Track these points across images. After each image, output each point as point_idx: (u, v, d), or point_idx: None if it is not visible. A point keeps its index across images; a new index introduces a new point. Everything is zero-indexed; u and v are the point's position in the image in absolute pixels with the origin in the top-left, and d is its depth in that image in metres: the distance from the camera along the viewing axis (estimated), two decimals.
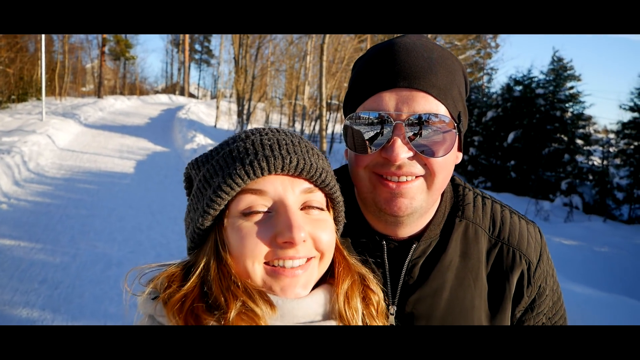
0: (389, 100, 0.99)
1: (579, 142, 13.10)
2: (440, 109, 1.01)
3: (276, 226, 0.83)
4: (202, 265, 0.86)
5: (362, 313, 0.93)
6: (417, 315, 1.09)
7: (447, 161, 1.04)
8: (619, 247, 8.38)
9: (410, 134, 0.99)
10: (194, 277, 0.85)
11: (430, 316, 1.09)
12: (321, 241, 0.87)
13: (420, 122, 0.98)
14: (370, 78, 1.03)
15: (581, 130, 13.17)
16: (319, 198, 0.90)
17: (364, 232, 1.13)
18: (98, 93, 35.16)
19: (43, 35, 17.99)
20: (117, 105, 26.52)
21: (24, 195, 8.28)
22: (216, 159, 0.89)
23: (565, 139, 12.98)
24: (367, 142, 1.02)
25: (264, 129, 0.92)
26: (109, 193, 8.92)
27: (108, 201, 8.31)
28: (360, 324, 0.91)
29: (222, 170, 0.85)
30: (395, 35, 1.10)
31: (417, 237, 1.13)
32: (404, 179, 1.01)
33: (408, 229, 1.11)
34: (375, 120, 1.00)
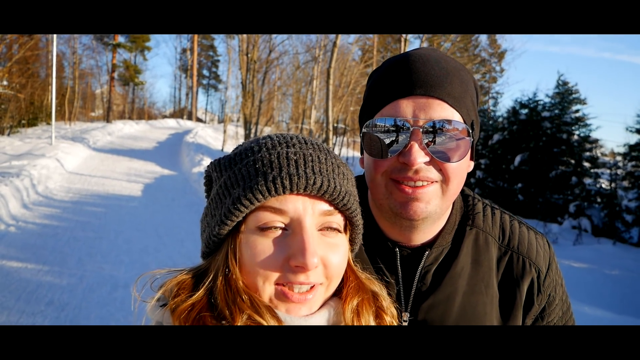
0: (406, 107, 1.03)
1: (586, 164, 13.06)
2: (455, 116, 1.04)
3: (290, 247, 0.82)
4: (211, 276, 0.86)
5: None
6: (430, 322, 1.11)
7: (461, 167, 1.07)
8: (630, 270, 8.26)
9: (427, 140, 1.02)
10: (203, 287, 0.85)
11: (443, 323, 1.11)
12: (331, 266, 0.86)
13: (436, 128, 1.02)
14: (387, 86, 1.07)
15: (588, 153, 13.14)
16: (337, 220, 0.89)
17: (377, 240, 1.15)
18: (107, 118, 35.65)
19: (54, 61, 18.38)
20: (126, 130, 26.84)
21: (32, 218, 8.33)
22: (239, 167, 0.87)
23: (573, 161, 12.95)
24: (385, 147, 1.04)
25: (292, 139, 0.89)
26: (116, 216, 8.95)
27: (115, 224, 8.33)
28: None
29: (243, 181, 0.84)
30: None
31: (429, 244, 1.15)
32: (419, 183, 1.03)
33: (421, 235, 1.13)
34: (393, 127, 1.03)
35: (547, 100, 14.10)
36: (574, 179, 12.73)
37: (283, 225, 0.84)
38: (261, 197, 0.81)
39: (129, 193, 11.23)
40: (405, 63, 1.06)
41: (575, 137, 13.19)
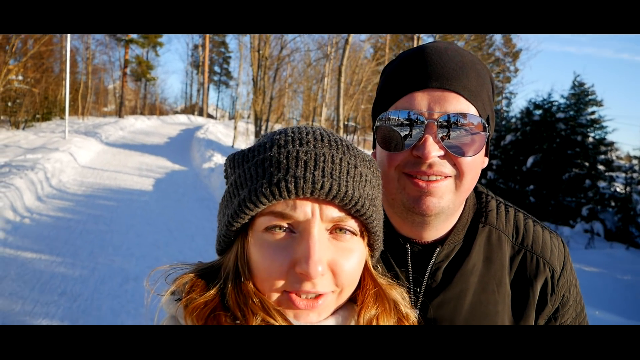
0: (421, 100, 1.01)
1: (601, 167, 12.89)
2: (471, 110, 1.02)
3: (296, 252, 0.78)
4: (222, 277, 0.84)
5: None
6: (440, 319, 1.08)
7: (476, 162, 1.05)
8: None
9: (442, 134, 1.00)
10: (214, 289, 0.83)
11: (453, 320, 1.08)
12: (341, 273, 0.80)
13: (451, 122, 1.00)
14: (402, 79, 1.05)
15: (603, 156, 12.97)
16: (351, 224, 0.82)
17: (388, 235, 1.11)
18: (119, 113, 35.94)
19: (68, 57, 18.54)
20: (138, 125, 27.03)
21: (46, 210, 8.42)
22: (249, 165, 0.83)
23: (587, 164, 12.79)
24: (399, 141, 1.02)
25: (307, 134, 0.83)
26: (127, 210, 9.02)
27: (127, 217, 8.40)
28: None
29: (250, 181, 0.80)
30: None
31: (440, 241, 1.13)
32: (433, 178, 1.01)
33: (433, 232, 1.11)
34: (407, 120, 1.01)
35: (562, 101, 13.95)
36: (588, 182, 12.57)
37: (291, 227, 0.80)
38: (266, 200, 0.77)
39: (141, 187, 11.31)
40: (420, 55, 1.04)
41: (590, 139, 13.03)
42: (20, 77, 21.47)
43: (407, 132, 1.01)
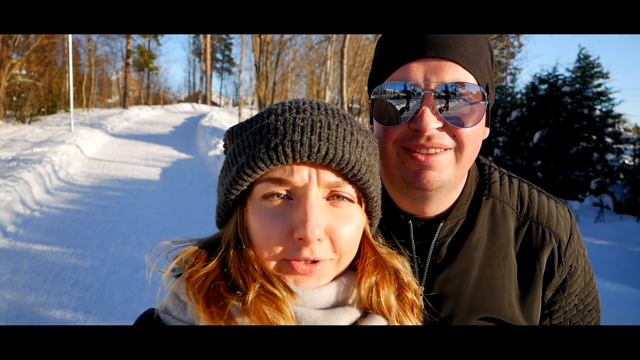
0: (417, 70, 0.98)
1: (609, 140, 12.74)
2: (469, 79, 0.99)
3: (294, 218, 0.78)
4: (223, 246, 0.84)
5: (397, 310, 0.88)
6: (445, 295, 1.07)
7: (476, 133, 1.02)
8: None
9: (440, 105, 0.97)
10: (216, 258, 0.83)
11: (459, 295, 1.07)
12: (340, 239, 0.80)
13: (449, 92, 0.97)
14: (396, 50, 1.02)
15: (610, 129, 12.80)
16: (349, 190, 0.82)
17: (389, 212, 1.10)
18: (123, 104, 35.96)
19: (70, 49, 18.53)
20: (142, 115, 27.05)
21: (55, 202, 8.51)
22: (247, 133, 0.83)
23: (594, 137, 12.64)
24: (396, 114, 1.00)
25: (304, 104, 0.84)
26: (135, 199, 9.09)
27: (135, 207, 8.47)
28: (394, 319, 0.87)
29: (249, 148, 0.80)
30: None
31: (443, 216, 1.11)
32: (432, 151, 0.99)
33: (435, 207, 1.09)
34: (403, 92, 0.98)
35: (567, 74, 13.73)
36: (596, 155, 12.45)
37: (288, 194, 0.80)
38: (263, 165, 0.77)
39: (147, 177, 11.37)
40: None
41: (597, 112, 12.85)
42: (23, 72, 21.53)
43: (404, 105, 0.98)
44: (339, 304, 0.84)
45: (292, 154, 0.76)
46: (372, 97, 1.07)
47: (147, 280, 0.87)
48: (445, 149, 1.00)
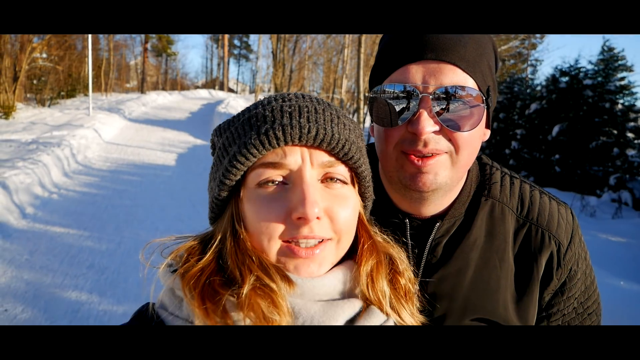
0: (416, 72, 0.97)
1: (630, 135, 12.46)
2: (469, 82, 0.98)
3: (290, 200, 0.78)
4: (219, 238, 0.84)
5: (390, 296, 0.88)
6: (440, 295, 1.07)
7: (473, 137, 1.01)
8: None
9: (438, 108, 0.96)
10: (211, 251, 0.82)
11: (453, 296, 1.06)
12: (338, 219, 0.81)
13: (448, 95, 0.96)
14: (396, 50, 1.01)
15: (632, 123, 12.51)
16: (341, 171, 0.84)
17: (387, 211, 1.11)
18: (141, 89, 36.26)
19: (90, 34, 18.69)
20: (159, 101, 27.27)
21: (73, 186, 8.67)
22: (235, 126, 0.84)
23: (615, 132, 12.37)
24: (393, 115, 0.99)
25: (288, 94, 0.86)
26: (151, 184, 9.21)
27: (151, 192, 8.58)
28: (387, 307, 0.86)
29: (239, 138, 0.81)
30: None
31: (441, 215, 1.10)
32: (429, 154, 0.99)
33: (432, 207, 1.09)
34: (401, 93, 0.98)
35: (589, 67, 13.43)
36: (616, 150, 12.20)
37: (283, 179, 0.81)
38: (256, 151, 0.78)
39: (164, 162, 11.49)
40: None
41: (619, 106, 12.57)
42: (44, 55, 21.79)
43: (402, 107, 0.98)
44: (344, 294, 0.84)
45: (284, 137, 0.78)
46: (371, 95, 1.06)
47: (143, 277, 0.88)
48: (441, 153, 0.99)
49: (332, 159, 0.82)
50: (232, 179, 0.81)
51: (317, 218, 0.78)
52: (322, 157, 0.81)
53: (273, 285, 0.76)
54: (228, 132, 0.85)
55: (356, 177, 0.88)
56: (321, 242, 0.81)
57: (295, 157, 0.80)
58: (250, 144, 0.78)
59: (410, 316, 0.90)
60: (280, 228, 0.79)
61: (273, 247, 0.80)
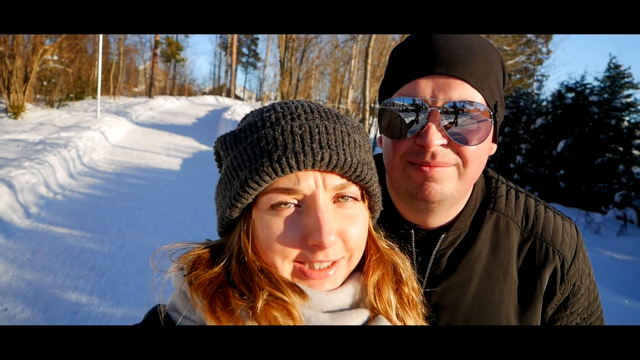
0: (425, 86, 0.99)
1: (636, 152, 12.42)
2: (477, 97, 1.00)
3: (306, 225, 0.79)
4: (227, 256, 0.85)
5: (397, 305, 0.90)
6: (443, 307, 1.08)
7: (480, 151, 1.03)
8: None
9: (446, 122, 0.98)
10: (219, 266, 0.83)
11: (456, 308, 1.07)
12: (350, 239, 0.83)
13: (456, 109, 0.98)
14: (406, 64, 1.03)
15: (638, 141, 12.49)
16: (353, 190, 0.85)
17: (393, 221, 1.12)
18: (149, 93, 36.48)
19: (100, 38, 18.89)
20: (167, 105, 27.41)
21: (77, 187, 8.70)
22: (244, 145, 0.83)
23: (621, 149, 12.35)
24: (402, 128, 1.01)
25: (296, 108, 0.84)
26: (155, 188, 9.24)
27: (154, 196, 8.60)
28: (394, 316, 0.88)
29: (249, 162, 0.80)
30: None
31: (446, 227, 1.12)
32: (436, 166, 1.00)
33: (438, 219, 1.10)
34: (411, 107, 1.00)
35: (596, 84, 13.43)
36: (622, 167, 12.15)
37: (296, 202, 0.81)
38: (268, 178, 0.78)
39: (168, 167, 11.53)
40: (427, 40, 1.01)
41: (625, 123, 12.55)
42: (55, 57, 21.98)
43: (411, 120, 1.00)
44: (352, 305, 0.86)
45: (297, 164, 0.78)
46: (381, 107, 1.08)
47: (145, 281, 0.88)
48: (449, 165, 1.01)
49: (344, 180, 0.83)
50: (243, 202, 0.82)
51: (333, 244, 0.80)
52: (334, 180, 0.82)
53: (286, 298, 0.77)
54: (235, 150, 0.84)
55: (366, 194, 0.89)
56: (334, 262, 0.83)
57: (308, 181, 0.80)
58: (263, 171, 0.78)
59: (415, 324, 0.92)
60: (295, 251, 0.80)
61: (287, 268, 0.82)
